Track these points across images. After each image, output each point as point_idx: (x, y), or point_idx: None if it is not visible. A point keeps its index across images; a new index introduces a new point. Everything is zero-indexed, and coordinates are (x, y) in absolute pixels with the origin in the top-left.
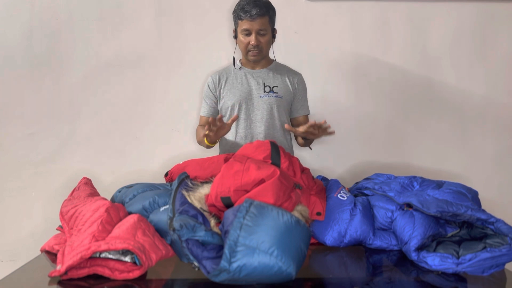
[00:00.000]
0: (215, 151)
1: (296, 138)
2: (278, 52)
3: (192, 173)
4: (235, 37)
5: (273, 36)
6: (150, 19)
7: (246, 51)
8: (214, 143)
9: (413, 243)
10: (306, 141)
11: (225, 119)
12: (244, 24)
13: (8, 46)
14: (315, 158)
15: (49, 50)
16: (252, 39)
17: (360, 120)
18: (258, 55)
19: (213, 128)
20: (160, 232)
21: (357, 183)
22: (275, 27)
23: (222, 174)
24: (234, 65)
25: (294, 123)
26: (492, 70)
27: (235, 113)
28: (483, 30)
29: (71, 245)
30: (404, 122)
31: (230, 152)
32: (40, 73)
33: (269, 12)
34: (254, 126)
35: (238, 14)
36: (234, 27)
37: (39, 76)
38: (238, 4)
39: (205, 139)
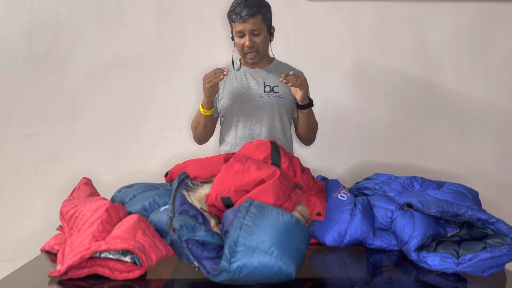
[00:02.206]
0: (215, 151)
1: (296, 129)
2: (278, 52)
3: (192, 173)
4: (233, 38)
5: (271, 34)
6: (150, 19)
7: (243, 53)
8: (210, 108)
9: (413, 243)
10: (303, 121)
11: (223, 119)
12: (237, 26)
13: (8, 46)
14: (315, 158)
15: (49, 50)
16: (246, 40)
17: (360, 120)
18: (255, 57)
19: (217, 74)
20: (160, 232)
21: (357, 183)
22: (272, 25)
23: (222, 174)
24: (233, 67)
25: (296, 122)
26: (492, 70)
27: (234, 113)
28: (483, 30)
29: (71, 245)
30: (404, 122)
31: (229, 152)
32: (40, 73)
33: (261, 11)
34: (254, 126)
35: (231, 16)
36: (230, 29)
37: (39, 76)
38: (231, 6)
39: (201, 106)
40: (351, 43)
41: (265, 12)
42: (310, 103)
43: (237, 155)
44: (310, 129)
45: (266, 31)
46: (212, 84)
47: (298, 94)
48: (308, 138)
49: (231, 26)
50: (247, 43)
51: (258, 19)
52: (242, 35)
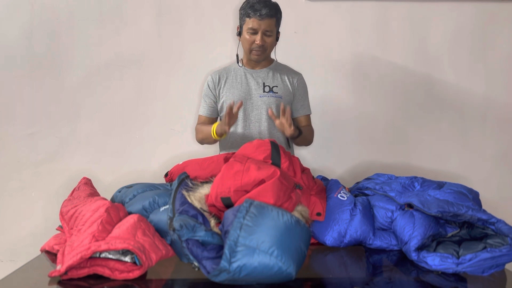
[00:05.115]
0: (215, 150)
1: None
2: (278, 52)
3: (192, 173)
4: (239, 34)
5: (277, 39)
6: (150, 19)
7: (249, 49)
8: (222, 135)
9: (413, 243)
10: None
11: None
12: (252, 23)
13: (8, 46)
14: (315, 158)
15: (49, 50)
16: (257, 38)
17: (360, 120)
18: (261, 55)
19: (232, 115)
20: (160, 232)
21: (357, 183)
22: (279, 30)
23: (222, 174)
24: (238, 62)
25: (295, 123)
26: (492, 69)
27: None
28: (483, 30)
29: (71, 245)
30: (404, 122)
31: (229, 151)
32: (40, 73)
33: (277, 15)
34: (253, 126)
35: (247, 11)
36: (239, 24)
37: (39, 76)
38: (247, 2)
39: (213, 132)
40: (351, 43)
41: (279, 17)
42: (299, 133)
43: (237, 155)
44: (304, 142)
45: (275, 35)
46: (233, 119)
47: (287, 131)
48: (304, 145)
49: (242, 20)
50: (258, 41)
51: (273, 21)
52: (254, 32)
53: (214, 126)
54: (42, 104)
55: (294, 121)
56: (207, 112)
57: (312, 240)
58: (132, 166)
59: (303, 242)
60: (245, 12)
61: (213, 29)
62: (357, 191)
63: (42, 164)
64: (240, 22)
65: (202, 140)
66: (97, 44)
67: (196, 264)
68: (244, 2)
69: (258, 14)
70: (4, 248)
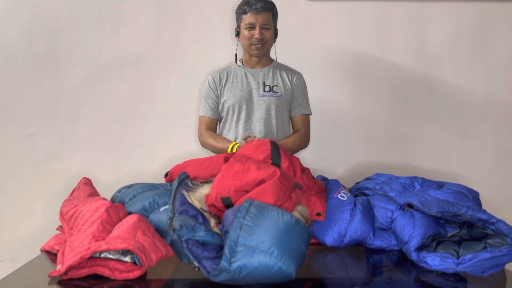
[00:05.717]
0: None
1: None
2: (278, 52)
3: (192, 173)
4: (237, 34)
5: (275, 36)
6: (150, 19)
7: (249, 45)
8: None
9: (413, 243)
10: None
11: (224, 119)
12: (249, 18)
13: (8, 46)
14: (315, 158)
15: (49, 50)
16: (256, 32)
17: (360, 120)
18: (261, 49)
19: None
20: (160, 232)
21: (357, 183)
22: (277, 27)
23: (222, 175)
24: (236, 62)
25: (292, 122)
26: (492, 70)
27: (236, 112)
28: (483, 30)
29: (71, 245)
30: (404, 122)
31: (229, 152)
32: (40, 73)
33: (273, 10)
34: (254, 126)
35: (243, 8)
36: (236, 24)
37: (39, 76)
38: (242, 1)
39: (232, 149)
40: (351, 43)
41: (275, 12)
42: None
43: (237, 155)
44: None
45: (273, 30)
46: None
47: None
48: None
49: (239, 19)
50: (256, 35)
51: (269, 15)
52: (252, 27)
53: (234, 148)
54: (42, 104)
55: (292, 120)
56: (210, 113)
57: (312, 240)
58: (132, 166)
59: (303, 242)
60: (241, 10)
61: (213, 29)
62: (357, 191)
63: (42, 164)
64: (237, 22)
65: (212, 151)
66: (97, 44)
67: (196, 264)
68: (239, 3)
69: (254, 7)
70: (4, 248)
